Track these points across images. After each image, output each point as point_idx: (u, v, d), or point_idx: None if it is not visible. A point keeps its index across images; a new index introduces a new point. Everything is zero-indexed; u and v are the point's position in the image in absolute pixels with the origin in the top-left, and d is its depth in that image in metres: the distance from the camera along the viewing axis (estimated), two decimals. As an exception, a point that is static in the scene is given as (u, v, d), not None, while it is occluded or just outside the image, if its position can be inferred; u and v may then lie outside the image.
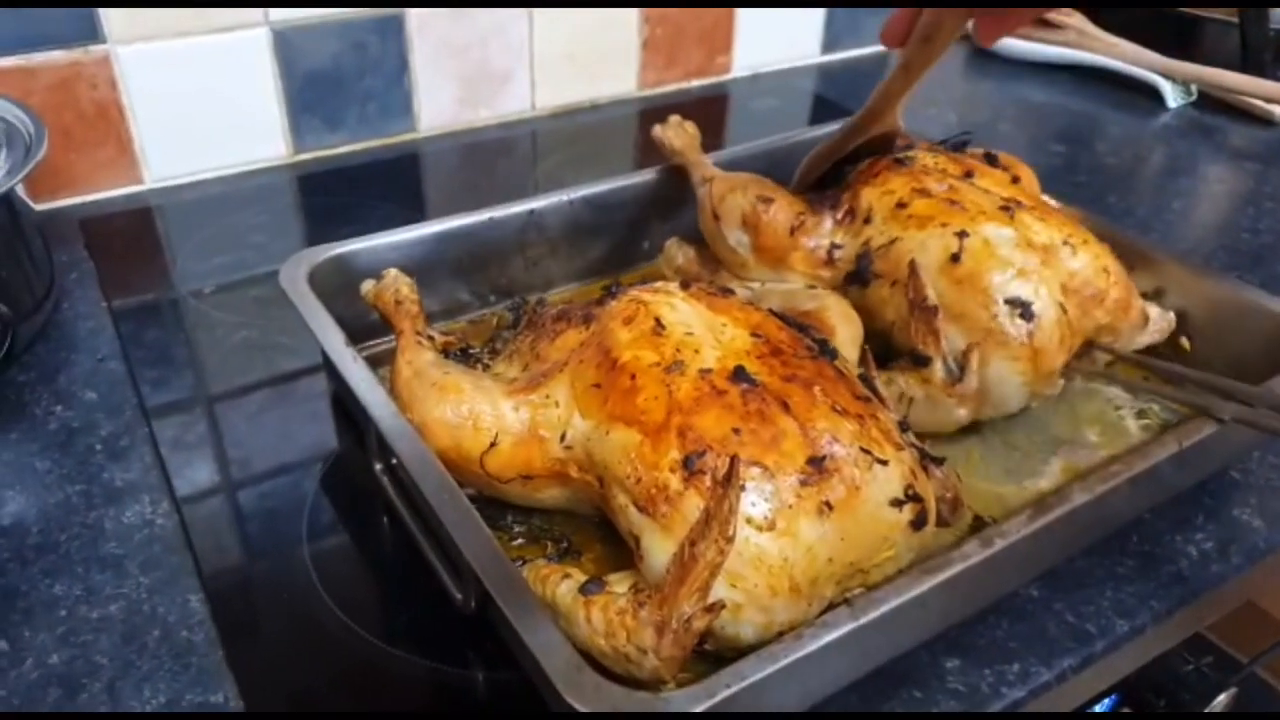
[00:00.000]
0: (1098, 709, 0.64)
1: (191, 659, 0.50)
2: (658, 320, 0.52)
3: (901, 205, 0.66)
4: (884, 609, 0.43)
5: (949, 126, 1.08)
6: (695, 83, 1.19)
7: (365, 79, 0.97)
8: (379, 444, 0.56)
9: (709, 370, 0.49)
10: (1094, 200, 0.95)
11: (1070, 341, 0.63)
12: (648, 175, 0.79)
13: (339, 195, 0.94)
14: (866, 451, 0.48)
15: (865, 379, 0.54)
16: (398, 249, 0.68)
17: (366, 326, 0.66)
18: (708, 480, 0.45)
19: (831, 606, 0.47)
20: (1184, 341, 0.69)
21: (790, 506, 0.45)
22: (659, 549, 0.46)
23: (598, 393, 0.51)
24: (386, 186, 0.96)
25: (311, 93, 0.95)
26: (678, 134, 0.79)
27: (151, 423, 0.65)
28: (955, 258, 0.62)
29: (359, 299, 0.65)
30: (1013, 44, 1.31)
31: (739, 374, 0.49)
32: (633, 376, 0.50)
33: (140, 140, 0.90)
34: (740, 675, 0.40)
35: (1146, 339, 0.67)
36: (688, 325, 0.52)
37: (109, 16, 0.83)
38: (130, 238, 0.87)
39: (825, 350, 0.54)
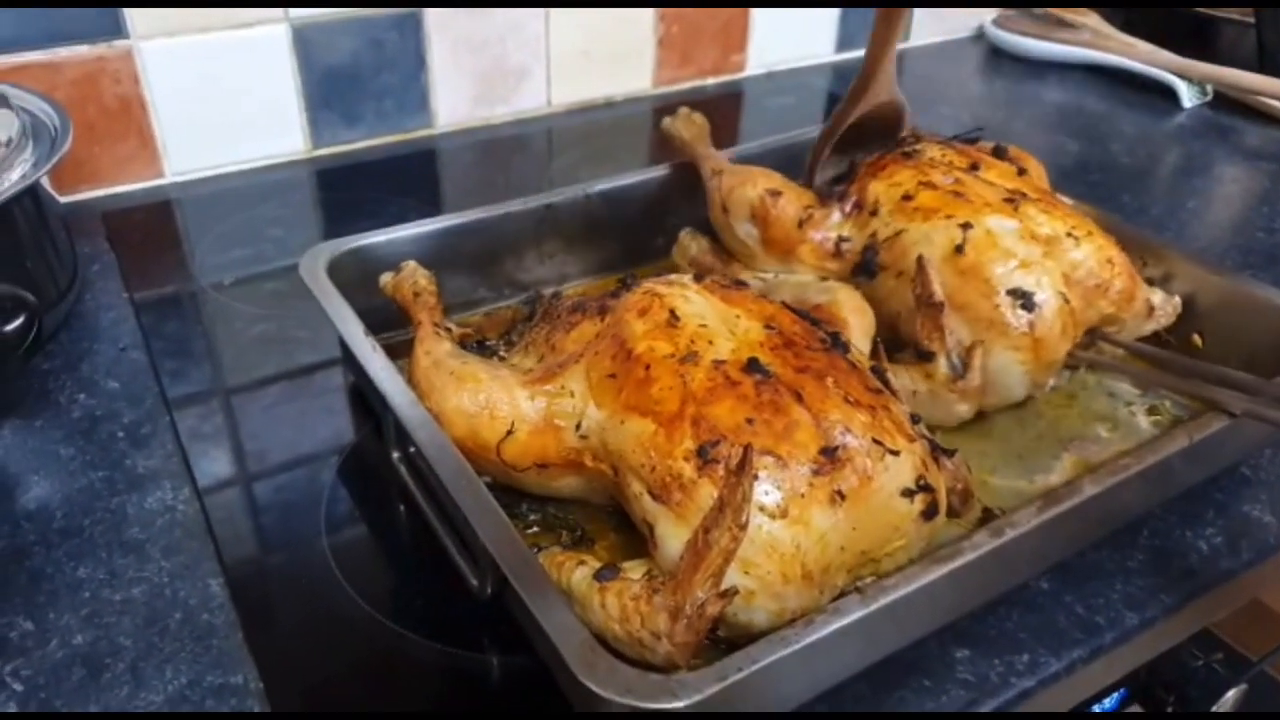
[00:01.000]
0: (1106, 703, 0.64)
1: (212, 641, 0.51)
2: (672, 312, 0.53)
3: (907, 198, 0.67)
4: (894, 596, 0.44)
5: (963, 126, 1.08)
6: (710, 80, 1.19)
7: (383, 75, 0.98)
8: (397, 432, 0.57)
9: (723, 361, 0.50)
10: (1108, 199, 0.95)
11: (1073, 331, 0.63)
12: (663, 170, 0.79)
13: (356, 190, 0.95)
14: (878, 442, 0.48)
15: (877, 371, 0.55)
16: (416, 242, 0.69)
17: (384, 319, 0.67)
18: (721, 469, 0.46)
19: (843, 595, 0.47)
20: (1196, 338, 0.69)
21: (803, 495, 0.46)
22: (673, 536, 0.47)
23: (612, 383, 0.51)
24: (403, 182, 0.97)
25: (330, 88, 0.96)
26: (686, 126, 0.80)
27: (173, 411, 0.66)
28: (959, 249, 0.63)
29: (377, 291, 0.66)
30: (1028, 43, 1.31)
31: (752, 365, 0.49)
32: (647, 367, 0.50)
33: (161, 134, 0.91)
34: (751, 659, 0.41)
35: (1152, 325, 0.67)
36: (701, 317, 0.53)
37: (133, 13, 0.84)
38: (151, 230, 0.89)
39: (837, 343, 0.55)
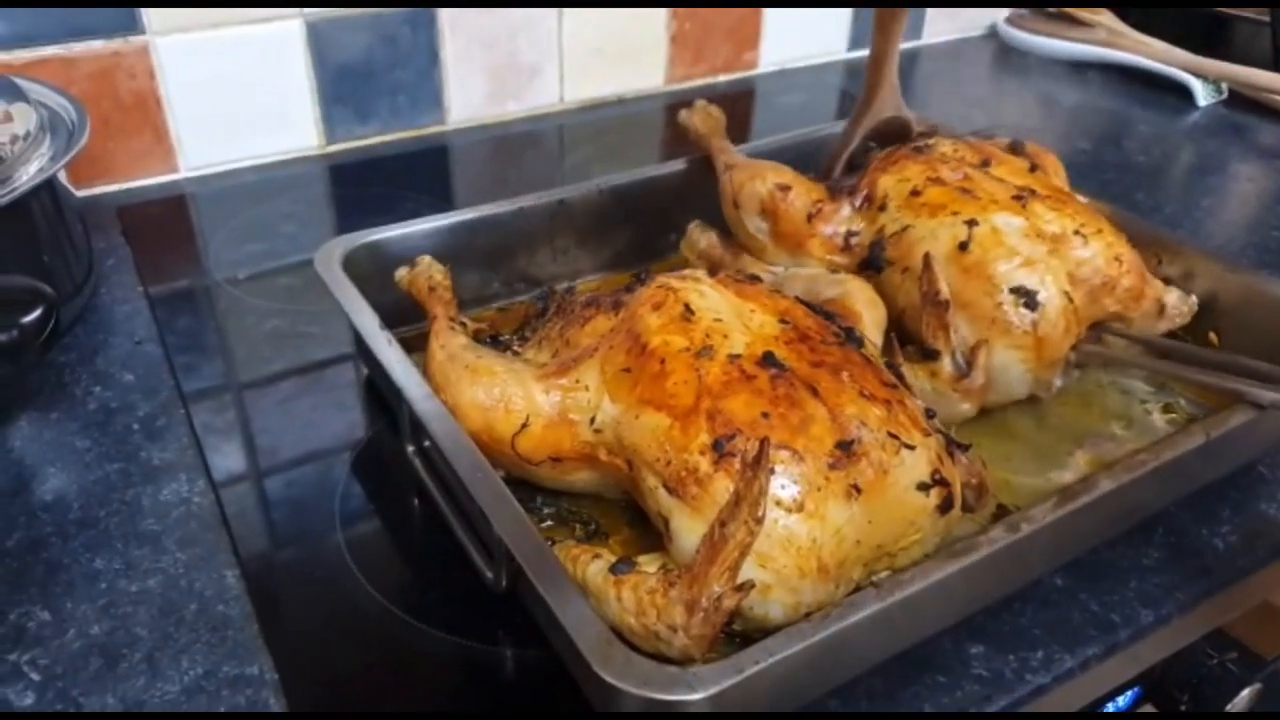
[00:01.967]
0: (1120, 702, 0.64)
1: (228, 633, 0.51)
2: (687, 306, 0.53)
3: (915, 193, 0.67)
4: (910, 591, 0.44)
5: (975, 125, 1.08)
6: (722, 78, 1.19)
7: (396, 71, 0.98)
8: (412, 426, 0.57)
9: (738, 355, 0.50)
10: (1122, 197, 0.95)
11: (1077, 330, 0.63)
12: (676, 166, 0.79)
13: (369, 186, 0.95)
14: (894, 436, 0.48)
15: (892, 365, 0.55)
16: (430, 237, 0.69)
17: (398, 313, 0.67)
18: (737, 463, 0.46)
19: (858, 589, 0.47)
20: (1212, 337, 0.69)
21: (819, 489, 0.46)
22: (688, 530, 0.47)
23: (627, 377, 0.51)
24: (416, 177, 0.97)
25: (344, 84, 0.96)
26: (703, 119, 0.80)
27: (188, 404, 0.66)
28: (963, 246, 0.63)
29: (391, 286, 0.66)
30: (1041, 42, 1.30)
31: (768, 359, 0.49)
32: (662, 361, 0.50)
33: (176, 129, 0.91)
34: (768, 652, 0.41)
35: (1165, 325, 0.67)
36: (716, 311, 0.53)
37: (149, 9, 0.85)
38: (165, 225, 0.89)
39: (851, 337, 0.55)
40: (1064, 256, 0.62)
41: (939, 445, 0.50)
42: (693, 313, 0.52)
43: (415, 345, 0.64)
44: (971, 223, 0.63)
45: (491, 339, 0.66)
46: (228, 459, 0.63)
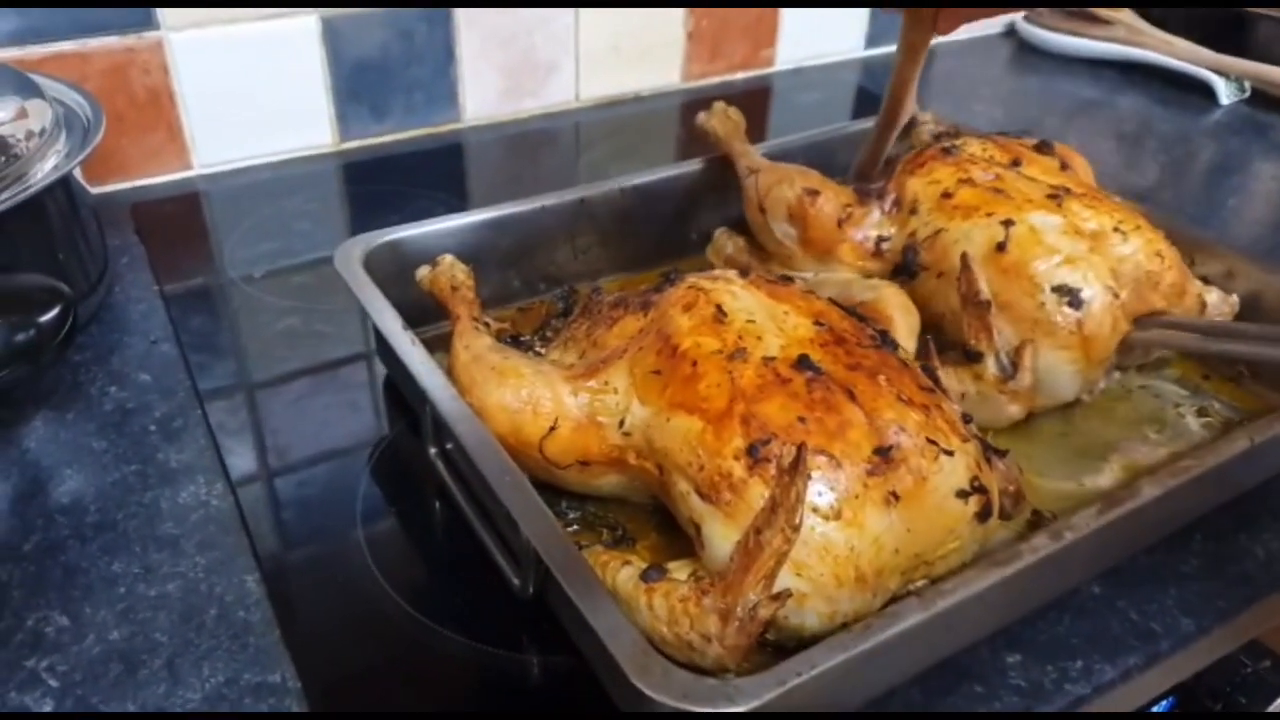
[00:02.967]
0: (1155, 711, 0.63)
1: (249, 639, 0.50)
2: (719, 307, 0.51)
3: (947, 195, 0.66)
4: (954, 600, 0.43)
5: (994, 123, 1.07)
6: (739, 75, 1.18)
7: (412, 68, 0.97)
8: (434, 428, 0.56)
9: (772, 358, 0.49)
10: (1145, 197, 0.94)
11: (1124, 328, 0.62)
12: (697, 165, 0.78)
13: (383, 183, 0.94)
14: (933, 442, 0.47)
15: (928, 370, 0.53)
16: (451, 235, 0.68)
17: (418, 313, 0.66)
18: (773, 468, 0.45)
19: (895, 599, 0.46)
20: (1247, 340, 0.68)
21: (857, 496, 0.45)
22: (721, 537, 0.45)
23: (657, 379, 0.50)
24: (431, 175, 0.96)
25: (359, 81, 0.95)
26: (722, 122, 0.79)
27: (204, 405, 0.65)
28: (1001, 246, 0.61)
29: (411, 285, 0.65)
30: (1060, 40, 1.29)
31: (803, 362, 0.48)
32: (694, 363, 0.49)
33: (190, 127, 0.90)
34: (811, 663, 0.39)
35: None
36: (749, 313, 0.51)
37: (163, 5, 0.84)
38: (179, 223, 0.88)
39: (886, 340, 0.54)
40: (1105, 253, 0.61)
41: (977, 451, 0.49)
42: (725, 314, 0.51)
43: (435, 346, 0.63)
44: (1008, 223, 0.62)
45: (513, 339, 0.65)
46: (245, 460, 0.62)
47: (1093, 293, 0.60)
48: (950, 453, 0.47)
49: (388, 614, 0.52)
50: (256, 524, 0.57)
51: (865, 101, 1.17)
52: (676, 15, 1.09)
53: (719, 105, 0.81)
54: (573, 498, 0.56)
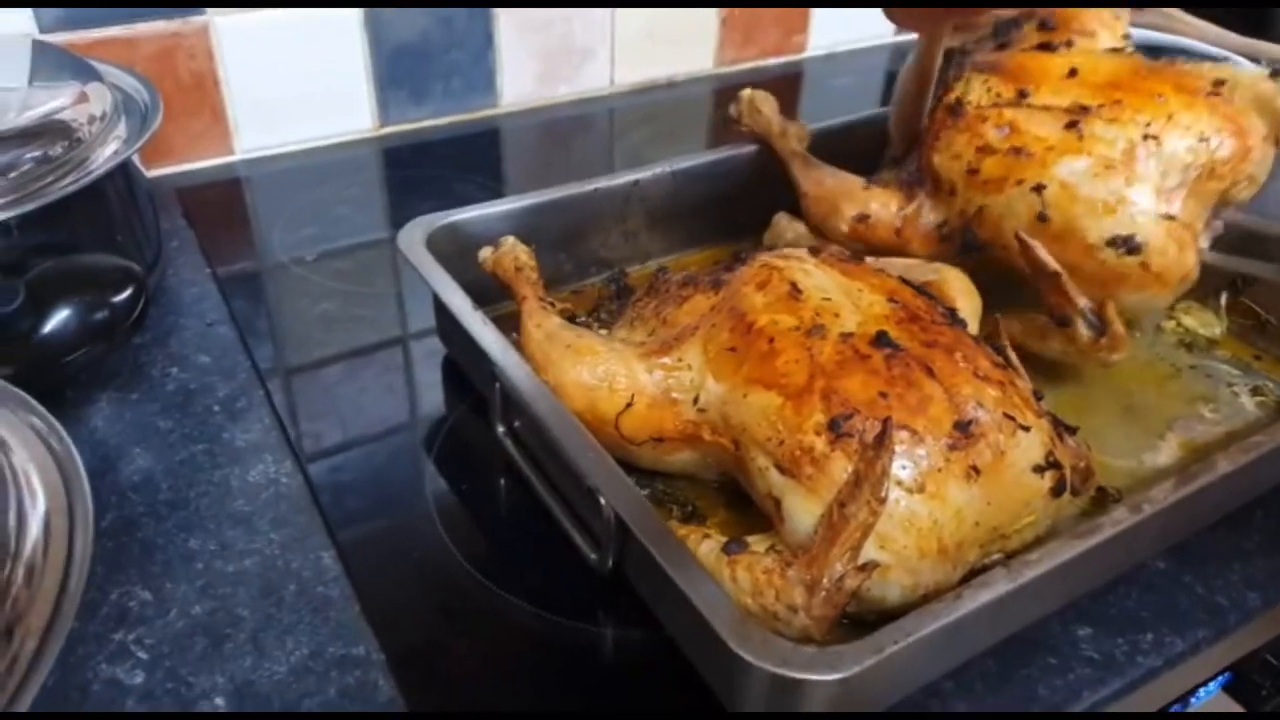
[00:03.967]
0: (1211, 687, 0.64)
1: (330, 613, 0.51)
2: (793, 285, 0.52)
3: (972, 171, 0.65)
4: (1041, 570, 0.43)
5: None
6: (771, 60, 1.18)
7: (451, 53, 0.98)
8: (504, 405, 0.57)
9: (850, 334, 0.49)
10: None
11: (1197, 229, 0.61)
12: (748, 149, 0.78)
13: (422, 168, 0.95)
14: (1010, 417, 0.48)
15: (999, 349, 0.54)
16: (508, 218, 0.69)
17: (475, 294, 0.67)
18: (855, 443, 0.46)
19: (972, 572, 0.47)
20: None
21: (939, 470, 0.45)
22: (803, 510, 0.46)
23: (733, 356, 0.51)
24: (469, 160, 0.97)
25: (399, 66, 0.96)
26: (752, 116, 0.77)
27: (266, 384, 0.66)
28: (1042, 218, 0.61)
29: (468, 267, 0.66)
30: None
31: (881, 339, 0.49)
32: (770, 340, 0.50)
33: (234, 111, 0.90)
34: (905, 632, 0.40)
35: None
36: (824, 290, 0.52)
37: (210, -13, 0.84)
38: (223, 208, 0.88)
39: (956, 318, 0.54)
40: (1143, 173, 0.60)
41: (1050, 428, 0.50)
42: (800, 291, 0.52)
43: (498, 325, 0.63)
44: (1038, 187, 0.61)
45: (571, 319, 0.66)
46: (310, 439, 0.62)
47: (1145, 231, 0.59)
48: (1027, 428, 0.48)
49: (463, 587, 0.53)
50: (326, 501, 0.57)
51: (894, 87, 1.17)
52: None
53: (746, 95, 0.79)
54: (642, 474, 0.56)
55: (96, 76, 0.70)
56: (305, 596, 0.52)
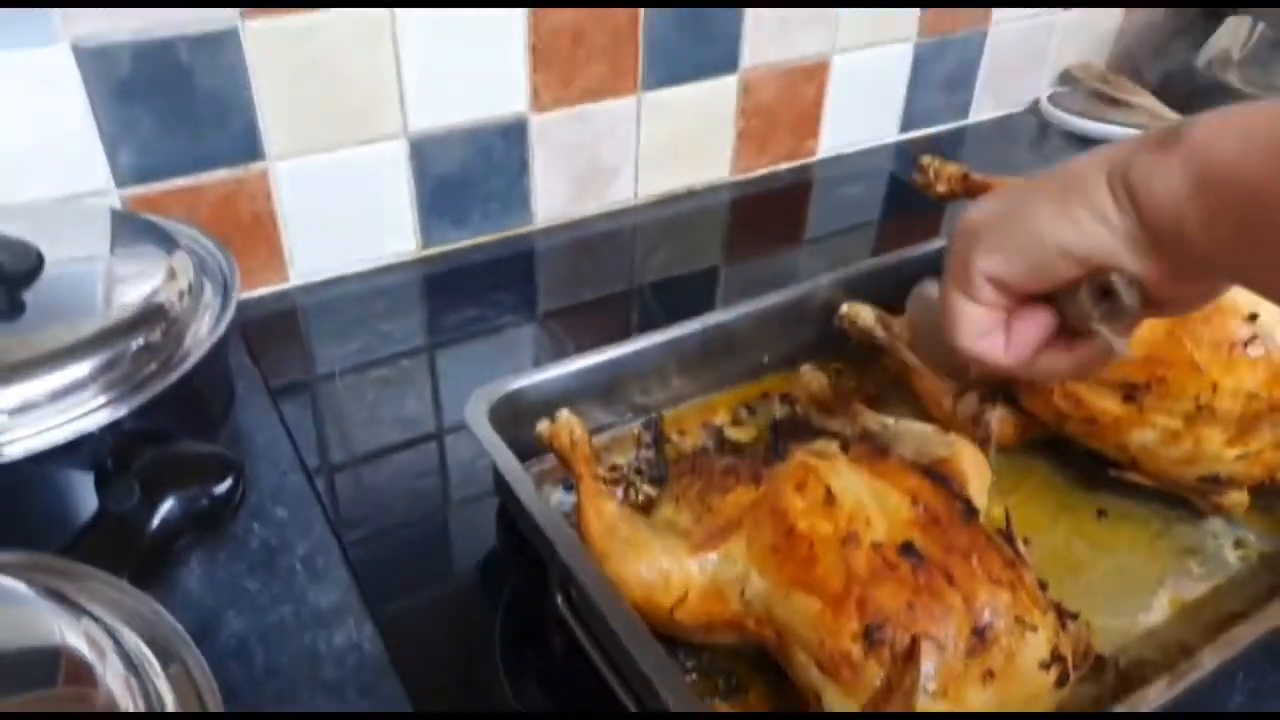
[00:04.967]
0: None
1: (418, 783, 0.57)
2: (828, 489, 0.59)
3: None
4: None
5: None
6: (784, 165, 1.25)
7: (490, 180, 1.04)
8: (561, 578, 0.63)
9: (880, 543, 0.56)
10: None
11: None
12: (773, 299, 0.85)
13: (463, 284, 1.02)
14: (1020, 620, 0.54)
15: (1008, 536, 0.61)
16: (559, 381, 0.75)
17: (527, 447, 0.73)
18: (886, 650, 0.52)
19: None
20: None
21: (959, 676, 0.52)
22: (840, 706, 0.53)
23: (775, 555, 0.58)
24: (506, 275, 1.04)
25: (441, 195, 1.02)
26: (853, 327, 0.84)
27: (342, 540, 0.72)
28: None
29: (520, 426, 0.73)
30: (1081, 123, 1.36)
31: (907, 549, 0.55)
32: (810, 545, 0.56)
33: (289, 243, 0.97)
34: (934, 842, 0.47)
35: None
36: (856, 494, 0.59)
37: (270, 137, 0.90)
38: (280, 335, 0.95)
39: (971, 511, 0.61)
40: (1207, 435, 0.68)
41: (1054, 621, 0.56)
42: (834, 496, 0.58)
43: (544, 477, 0.70)
44: (1121, 447, 0.71)
45: (625, 488, 0.72)
46: (385, 599, 0.69)
47: (1229, 468, 0.69)
48: (1035, 629, 0.54)
49: (533, 755, 0.59)
50: (403, 662, 0.64)
51: (897, 190, 1.24)
52: (729, 116, 1.16)
53: (846, 312, 0.85)
54: (689, 646, 0.63)
55: (174, 244, 0.76)
56: (395, 766, 0.58)
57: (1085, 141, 1.35)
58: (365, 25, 0.89)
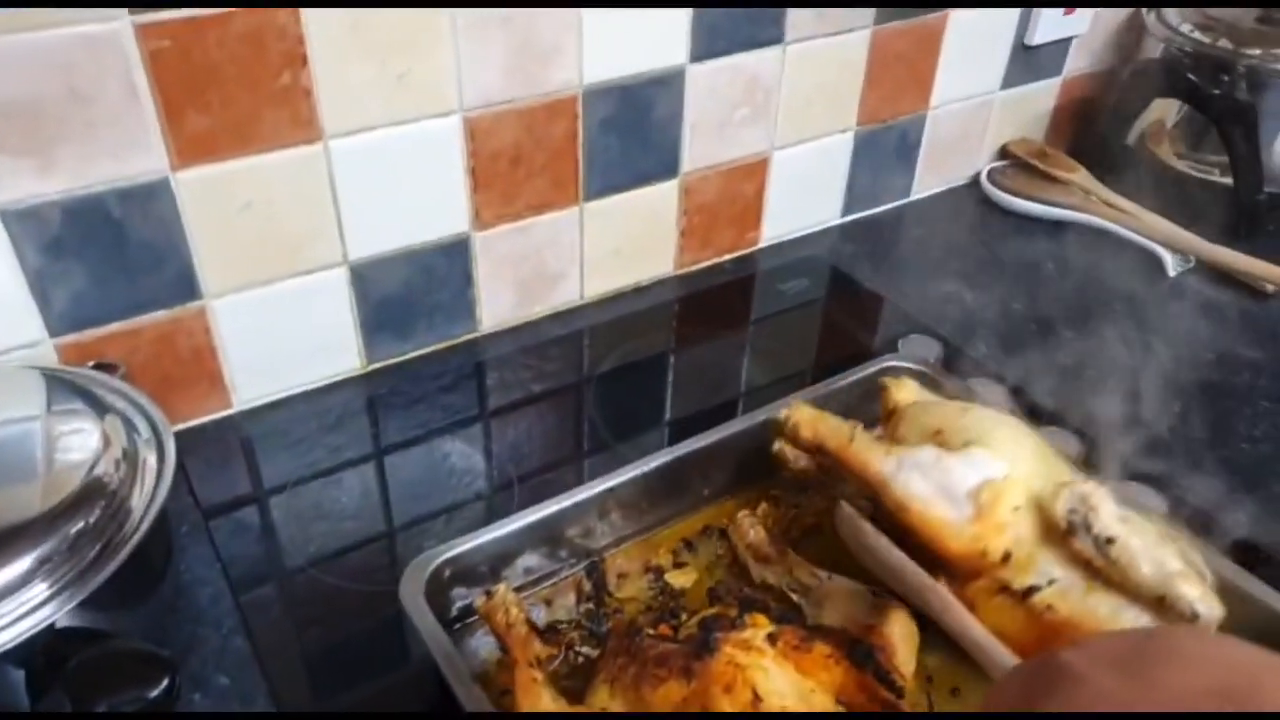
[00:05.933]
0: None
1: None
2: (755, 692, 0.60)
3: None
4: None
5: (955, 275, 1.16)
6: (727, 257, 1.26)
7: (432, 294, 1.05)
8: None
9: (804, 751, 0.58)
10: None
11: None
12: (712, 437, 0.86)
13: (410, 394, 1.03)
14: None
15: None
16: (495, 544, 0.76)
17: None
18: None
19: None
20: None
21: None
22: None
23: (705, 758, 0.59)
24: (452, 381, 1.05)
25: (384, 314, 1.02)
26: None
27: (282, 709, 0.73)
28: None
29: (462, 583, 0.74)
30: (1018, 203, 1.38)
31: (830, 756, 0.57)
32: (737, 754, 0.58)
33: (230, 374, 0.97)
34: None
35: None
36: (781, 696, 0.60)
37: (206, 277, 0.90)
38: (221, 460, 0.95)
39: (894, 689, 0.63)
40: None
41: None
42: (760, 700, 0.60)
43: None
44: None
45: (565, 648, 0.74)
46: (327, 774, 0.69)
47: None
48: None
49: None
50: None
51: (839, 285, 1.25)
52: (671, 217, 1.17)
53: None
54: (626, 831, 0.65)
55: (103, 407, 0.75)
56: None
57: (1024, 219, 1.38)
58: (299, 162, 0.89)
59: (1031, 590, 0.68)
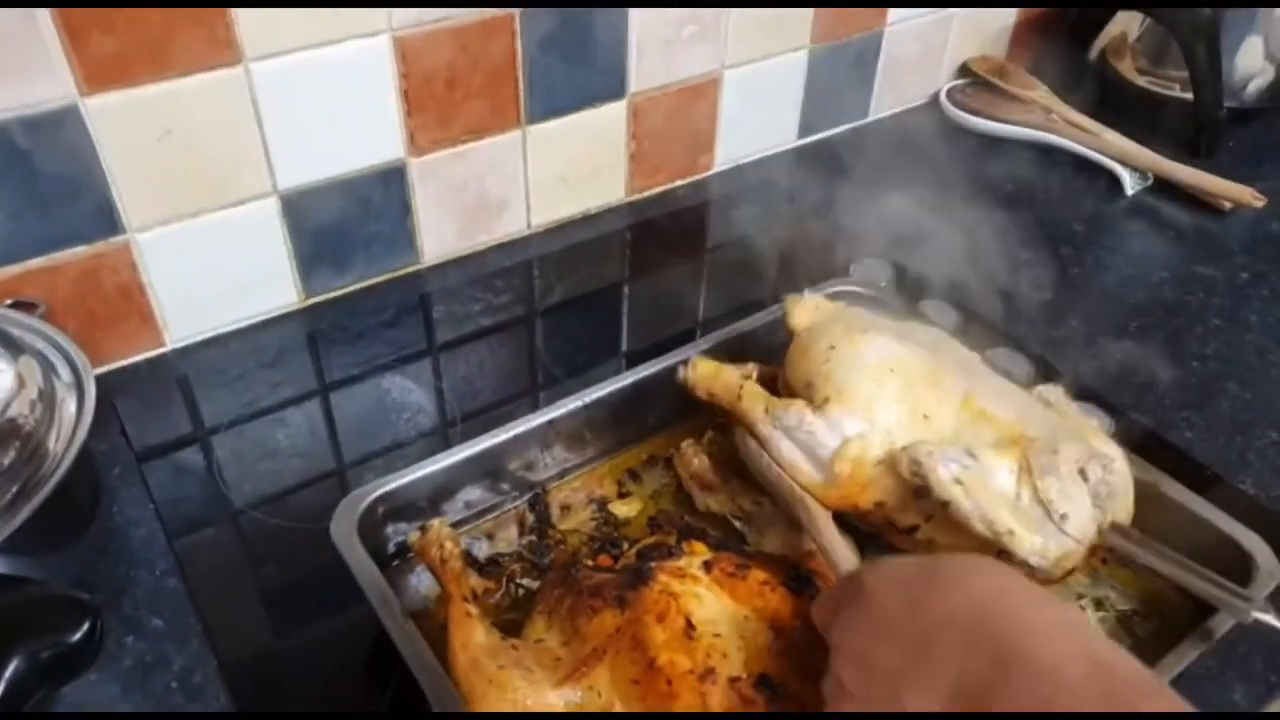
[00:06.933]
0: None
1: None
2: (688, 620, 0.59)
3: None
4: None
5: (917, 201, 1.13)
6: (679, 183, 1.23)
7: (370, 225, 1.01)
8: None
9: (737, 678, 0.57)
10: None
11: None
12: (654, 368, 0.84)
13: (351, 328, 1.00)
14: (872, 742, 0.56)
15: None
16: (432, 478, 0.75)
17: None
18: (741, 790, 0.54)
19: None
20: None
21: (813, 812, 0.54)
22: (698, 846, 0.55)
23: (637, 689, 0.58)
24: (395, 315, 1.02)
25: (320, 245, 0.99)
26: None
27: (219, 653, 0.71)
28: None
29: (400, 519, 0.73)
30: (978, 122, 1.35)
31: (763, 682, 0.57)
32: (669, 682, 0.57)
33: (161, 311, 0.94)
34: None
35: None
36: (715, 624, 0.60)
37: (127, 210, 0.86)
38: (156, 400, 0.92)
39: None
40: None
41: None
42: (694, 628, 0.59)
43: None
44: None
45: (507, 582, 0.72)
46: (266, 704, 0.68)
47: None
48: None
49: None
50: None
51: (794, 210, 1.22)
52: (619, 141, 1.14)
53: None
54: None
55: (18, 348, 0.73)
56: None
57: (984, 139, 1.35)
58: (219, 87, 0.85)
59: (913, 529, 0.71)
